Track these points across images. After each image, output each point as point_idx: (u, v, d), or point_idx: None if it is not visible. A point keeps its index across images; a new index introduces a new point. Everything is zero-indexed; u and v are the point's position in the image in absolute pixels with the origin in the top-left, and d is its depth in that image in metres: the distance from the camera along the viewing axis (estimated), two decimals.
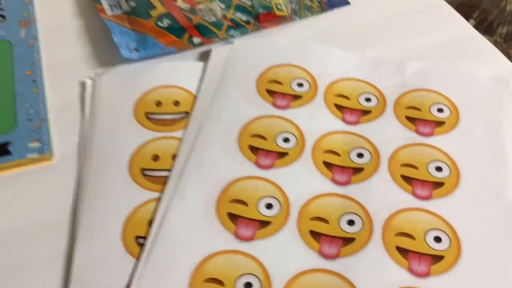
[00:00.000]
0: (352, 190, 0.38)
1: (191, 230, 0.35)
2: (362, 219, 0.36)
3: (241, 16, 0.49)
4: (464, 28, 0.51)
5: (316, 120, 0.42)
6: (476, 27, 0.59)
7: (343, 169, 0.39)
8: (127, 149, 0.40)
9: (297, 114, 0.42)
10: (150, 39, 0.46)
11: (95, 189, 0.37)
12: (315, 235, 0.35)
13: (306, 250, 0.35)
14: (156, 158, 0.39)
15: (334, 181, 0.38)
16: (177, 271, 0.33)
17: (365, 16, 0.52)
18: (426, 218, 0.36)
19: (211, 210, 0.36)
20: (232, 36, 0.48)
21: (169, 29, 0.47)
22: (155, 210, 0.36)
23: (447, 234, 0.35)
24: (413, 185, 0.38)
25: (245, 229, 0.35)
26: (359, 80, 0.45)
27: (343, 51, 0.47)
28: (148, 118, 0.42)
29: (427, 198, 0.37)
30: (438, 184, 0.38)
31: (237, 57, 0.46)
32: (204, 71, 0.45)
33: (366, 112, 0.43)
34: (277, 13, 0.50)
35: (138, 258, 0.34)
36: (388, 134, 0.41)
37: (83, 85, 0.44)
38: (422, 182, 0.38)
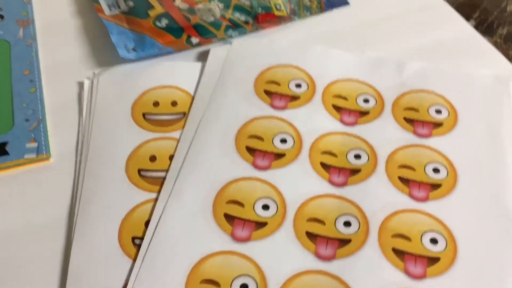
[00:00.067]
0: (349, 191, 0.38)
1: (187, 230, 0.35)
2: (358, 220, 0.36)
3: (239, 16, 0.49)
4: (464, 28, 0.51)
5: (313, 121, 0.42)
6: (476, 27, 0.59)
7: (340, 170, 0.39)
8: (124, 149, 0.40)
9: (294, 115, 0.42)
10: (148, 39, 0.46)
11: (92, 189, 0.37)
12: (311, 236, 0.35)
13: (302, 251, 0.35)
14: (153, 158, 0.39)
15: (331, 182, 0.38)
16: (173, 272, 0.33)
17: (365, 16, 0.51)
18: (423, 219, 0.36)
19: (207, 211, 0.36)
20: (231, 36, 0.48)
21: (167, 29, 0.47)
22: (151, 211, 0.36)
23: (443, 236, 0.35)
24: (410, 187, 0.38)
25: (241, 230, 0.35)
26: (358, 81, 0.45)
27: (343, 51, 0.47)
28: (145, 118, 0.42)
29: (424, 199, 0.37)
30: (435, 186, 0.38)
31: (235, 58, 0.46)
32: (202, 71, 0.45)
33: (364, 113, 0.43)
34: (276, 13, 0.50)
35: (134, 258, 0.34)
36: (385, 135, 0.41)
37: (80, 85, 0.44)
38: (419, 184, 0.38)
